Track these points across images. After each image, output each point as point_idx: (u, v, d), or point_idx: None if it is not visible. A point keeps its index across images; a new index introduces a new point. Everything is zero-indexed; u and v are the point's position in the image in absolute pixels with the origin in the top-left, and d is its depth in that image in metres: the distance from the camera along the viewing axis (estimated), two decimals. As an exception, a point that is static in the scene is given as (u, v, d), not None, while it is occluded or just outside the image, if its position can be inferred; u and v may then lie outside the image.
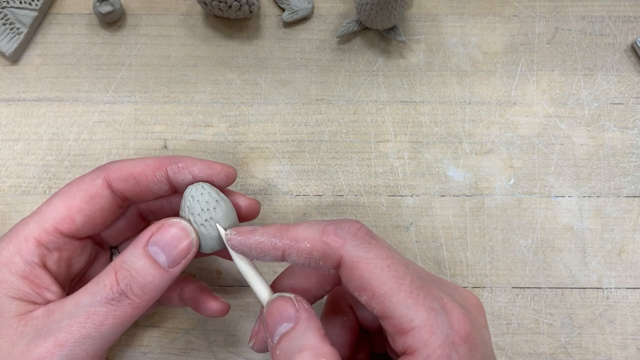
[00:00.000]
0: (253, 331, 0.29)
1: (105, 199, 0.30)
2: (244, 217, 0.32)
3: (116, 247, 0.34)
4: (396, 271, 0.25)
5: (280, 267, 0.37)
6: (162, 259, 0.27)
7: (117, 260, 0.28)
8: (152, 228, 0.28)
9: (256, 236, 0.27)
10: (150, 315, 0.37)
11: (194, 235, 0.28)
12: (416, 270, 0.26)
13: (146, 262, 0.27)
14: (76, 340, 0.26)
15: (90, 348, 0.26)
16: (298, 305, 0.26)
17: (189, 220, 0.29)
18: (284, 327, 0.25)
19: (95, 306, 0.26)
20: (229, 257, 0.35)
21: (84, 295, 0.27)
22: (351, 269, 0.25)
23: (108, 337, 0.27)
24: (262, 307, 0.28)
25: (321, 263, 0.26)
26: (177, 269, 0.28)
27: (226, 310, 0.33)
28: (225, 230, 0.29)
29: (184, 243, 0.28)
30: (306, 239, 0.26)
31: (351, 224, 0.26)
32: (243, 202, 0.32)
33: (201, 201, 0.29)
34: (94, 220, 0.30)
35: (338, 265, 0.26)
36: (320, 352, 0.24)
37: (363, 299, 0.25)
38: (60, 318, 0.26)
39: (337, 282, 0.29)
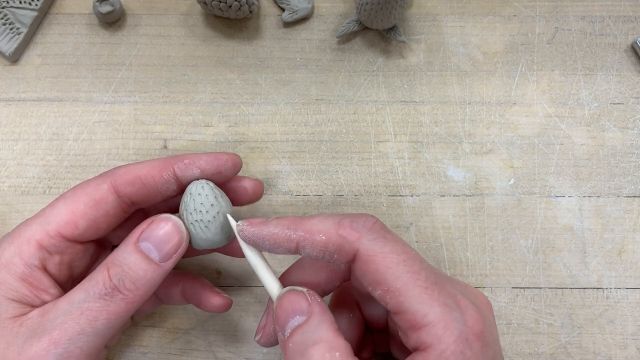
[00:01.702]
0: (260, 325, 0.29)
1: (110, 205, 0.30)
2: (249, 198, 0.33)
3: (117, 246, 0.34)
4: (412, 266, 0.25)
5: (281, 268, 0.37)
6: (154, 253, 0.28)
7: (110, 257, 0.28)
8: (143, 225, 0.28)
9: (270, 227, 0.27)
10: (150, 315, 0.37)
11: (184, 230, 0.29)
12: (430, 266, 0.26)
13: (138, 257, 0.27)
14: (70, 337, 0.26)
15: (84, 345, 0.26)
16: (310, 298, 0.26)
17: (180, 216, 0.29)
18: (296, 320, 0.25)
19: (89, 302, 0.26)
20: (229, 253, 0.35)
21: (78, 292, 0.27)
22: (366, 262, 0.25)
23: (102, 332, 0.27)
24: (271, 300, 0.28)
25: (336, 256, 0.26)
26: (169, 264, 0.28)
27: (229, 305, 0.33)
28: (237, 222, 0.29)
29: (175, 238, 0.28)
30: (321, 232, 0.26)
31: (367, 218, 0.26)
32: (248, 184, 0.33)
33: (196, 201, 0.29)
34: (97, 225, 0.30)
35: (352, 259, 0.26)
36: (334, 345, 0.24)
37: (377, 293, 0.25)
38: (54, 316, 0.26)
39: (347, 277, 0.29)
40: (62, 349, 0.26)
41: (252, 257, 0.28)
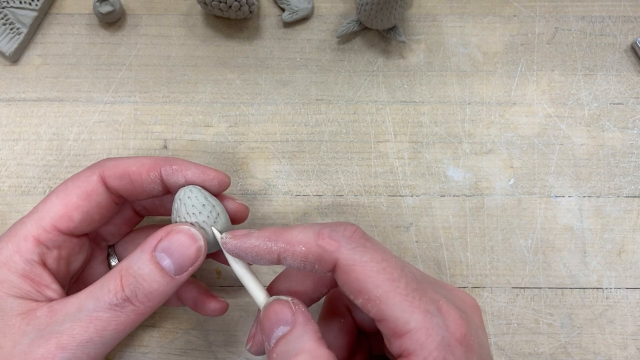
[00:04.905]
0: (250, 334, 0.29)
1: (101, 196, 0.30)
2: (230, 220, 0.32)
3: (112, 247, 0.34)
4: (391, 274, 0.25)
5: (280, 268, 0.37)
6: (170, 266, 0.27)
7: (123, 264, 0.27)
8: (160, 233, 0.28)
9: (251, 240, 0.27)
10: (151, 315, 0.37)
11: (202, 243, 0.28)
12: (412, 272, 0.26)
13: (153, 268, 0.27)
14: (78, 344, 0.26)
15: (91, 352, 0.26)
16: (295, 308, 0.26)
17: (176, 223, 0.29)
18: (280, 330, 0.25)
19: (99, 311, 0.26)
20: (225, 262, 0.35)
21: (88, 299, 0.27)
22: (346, 272, 0.25)
23: (109, 342, 0.27)
24: (259, 310, 0.28)
25: (316, 266, 0.26)
26: (184, 277, 0.28)
27: (225, 309, 0.33)
28: (221, 233, 0.29)
29: (192, 251, 0.28)
30: (301, 242, 0.26)
31: (346, 227, 0.26)
32: (231, 205, 0.32)
33: (187, 205, 0.29)
34: (91, 217, 0.30)
35: (333, 269, 0.26)
36: (316, 355, 0.24)
37: (359, 302, 0.25)
38: (63, 319, 0.26)
39: (334, 284, 0.29)
40: (69, 353, 0.26)
41: (237, 268, 0.28)
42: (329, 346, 0.25)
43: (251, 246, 0.27)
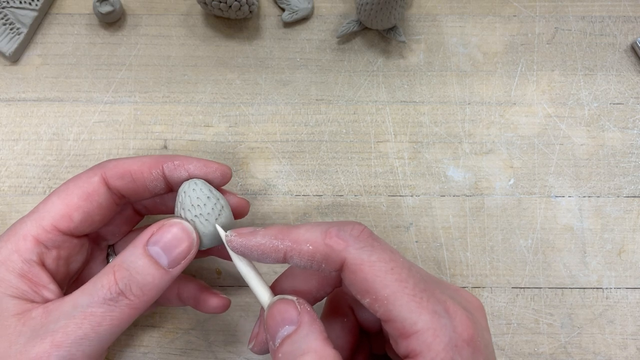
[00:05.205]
0: (253, 333, 0.29)
1: (102, 196, 0.30)
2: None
3: (112, 247, 0.34)
4: (399, 274, 0.25)
5: (281, 268, 0.37)
6: (163, 258, 0.27)
7: (117, 260, 0.27)
8: (152, 228, 0.28)
9: (257, 238, 0.27)
10: (150, 315, 0.37)
11: (194, 235, 0.28)
12: (419, 272, 0.26)
13: (146, 261, 0.27)
14: (73, 341, 0.26)
15: (87, 349, 0.26)
16: (300, 307, 0.26)
17: (180, 216, 0.29)
18: (285, 330, 0.25)
19: (93, 307, 0.26)
20: (226, 257, 0.35)
21: (82, 296, 0.27)
22: (354, 271, 0.25)
23: (105, 338, 0.27)
24: (263, 309, 0.28)
25: (323, 265, 0.26)
26: (177, 270, 0.28)
27: (227, 305, 0.33)
28: (226, 231, 0.29)
29: (185, 243, 0.28)
30: (308, 241, 0.26)
31: (354, 226, 0.26)
32: (232, 200, 0.32)
33: (192, 197, 0.29)
34: (92, 218, 0.30)
35: (340, 268, 0.26)
36: (323, 355, 0.24)
37: (366, 301, 0.25)
38: (57, 318, 0.26)
39: (338, 284, 0.29)
40: (64, 351, 0.26)
41: (242, 267, 0.28)
42: (334, 346, 0.25)
43: (257, 244, 0.27)
